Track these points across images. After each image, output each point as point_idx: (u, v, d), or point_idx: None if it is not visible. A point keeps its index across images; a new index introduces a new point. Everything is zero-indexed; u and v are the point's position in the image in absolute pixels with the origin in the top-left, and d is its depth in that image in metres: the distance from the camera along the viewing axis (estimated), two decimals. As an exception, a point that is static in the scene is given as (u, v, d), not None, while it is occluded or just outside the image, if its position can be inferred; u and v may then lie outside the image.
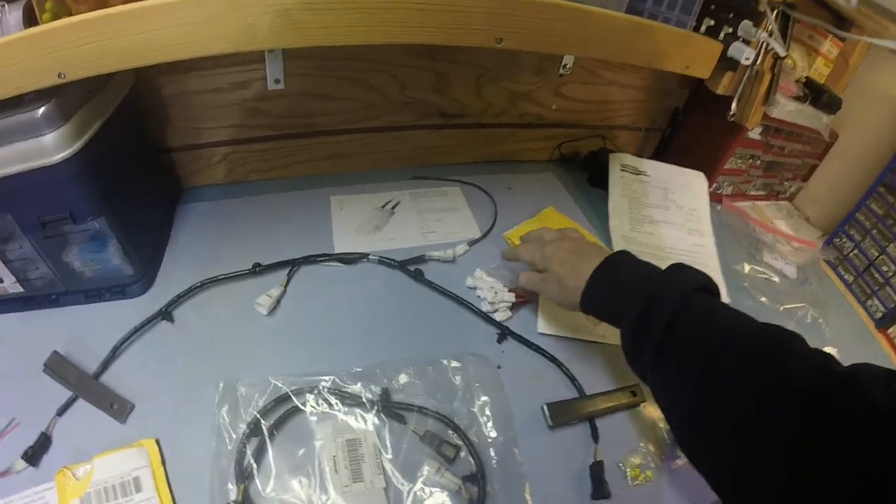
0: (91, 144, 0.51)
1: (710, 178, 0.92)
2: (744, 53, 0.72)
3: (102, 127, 0.54)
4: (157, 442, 0.49)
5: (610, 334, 0.66)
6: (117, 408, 0.51)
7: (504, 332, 0.62)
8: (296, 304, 0.62)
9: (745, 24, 0.70)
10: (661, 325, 0.44)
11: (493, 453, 0.52)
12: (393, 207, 0.77)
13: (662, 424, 0.58)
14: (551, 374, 0.61)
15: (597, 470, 0.53)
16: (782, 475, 0.34)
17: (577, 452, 0.55)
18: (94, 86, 0.54)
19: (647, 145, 1.03)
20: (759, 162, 0.96)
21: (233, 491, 0.46)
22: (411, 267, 0.67)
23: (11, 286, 0.56)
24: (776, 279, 0.86)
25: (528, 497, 0.50)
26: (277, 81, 0.68)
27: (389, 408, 0.53)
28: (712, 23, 0.71)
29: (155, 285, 0.62)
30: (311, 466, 0.49)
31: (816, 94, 0.87)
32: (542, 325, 0.65)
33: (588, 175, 0.93)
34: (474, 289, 0.67)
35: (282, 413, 0.51)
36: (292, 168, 0.78)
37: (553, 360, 0.61)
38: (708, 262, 0.84)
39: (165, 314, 0.59)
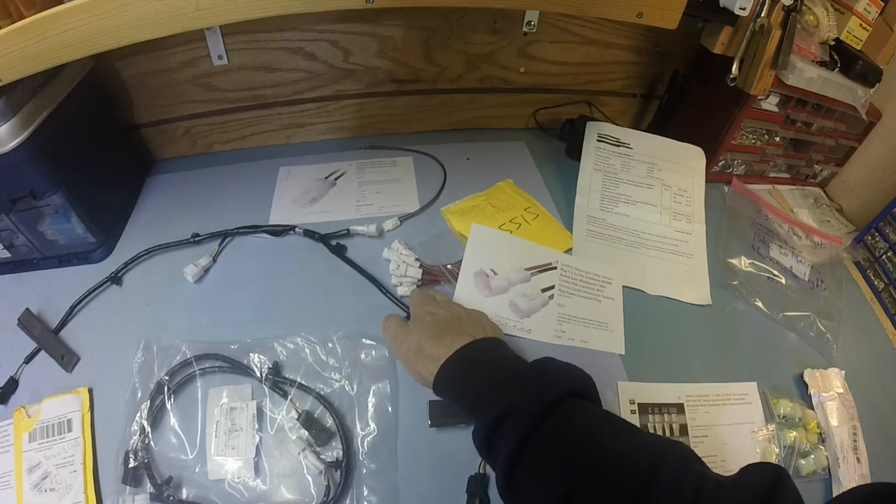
0: (40, 131, 0.59)
1: (715, 154, 0.79)
2: (737, 2, 0.60)
3: (51, 115, 0.61)
4: (90, 390, 0.57)
5: (536, 330, 0.63)
6: (66, 359, 0.61)
7: (409, 317, 0.61)
8: (221, 274, 0.67)
9: (737, -35, 0.57)
10: (512, 446, 0.39)
11: (364, 444, 0.53)
12: (336, 179, 0.77)
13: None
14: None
15: (474, 483, 0.50)
16: None
17: (462, 459, 0.51)
18: (39, 81, 0.60)
19: (646, 115, 0.91)
20: (778, 139, 0.81)
21: (134, 441, 0.53)
22: (333, 241, 0.68)
23: (1, 252, 0.68)
24: (782, 279, 0.74)
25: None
26: (220, 57, 0.71)
27: (275, 382, 0.57)
28: (689, -38, 0.59)
29: (115, 252, 0.71)
30: (198, 428, 0.54)
31: (848, 61, 0.70)
32: (451, 313, 0.63)
33: (566, 146, 0.85)
34: (389, 261, 0.67)
35: (183, 377, 0.57)
36: (250, 139, 0.81)
37: (458, 352, 0.59)
38: (694, 252, 0.75)
39: (115, 279, 0.67)
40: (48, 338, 0.62)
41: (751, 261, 0.75)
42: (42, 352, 0.61)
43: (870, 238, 0.78)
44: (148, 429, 0.54)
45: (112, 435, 0.54)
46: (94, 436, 0.55)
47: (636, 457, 0.36)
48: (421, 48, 0.75)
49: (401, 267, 0.64)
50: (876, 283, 0.76)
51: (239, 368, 0.57)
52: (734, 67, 0.69)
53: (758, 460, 0.53)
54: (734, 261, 0.75)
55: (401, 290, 0.64)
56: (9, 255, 0.68)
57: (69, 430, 0.55)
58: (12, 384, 0.59)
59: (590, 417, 0.40)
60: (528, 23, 0.74)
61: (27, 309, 0.63)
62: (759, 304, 0.70)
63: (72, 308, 0.64)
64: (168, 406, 0.55)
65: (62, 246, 0.69)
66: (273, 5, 0.50)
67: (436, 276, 0.65)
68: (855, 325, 0.71)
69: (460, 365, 0.46)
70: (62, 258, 0.69)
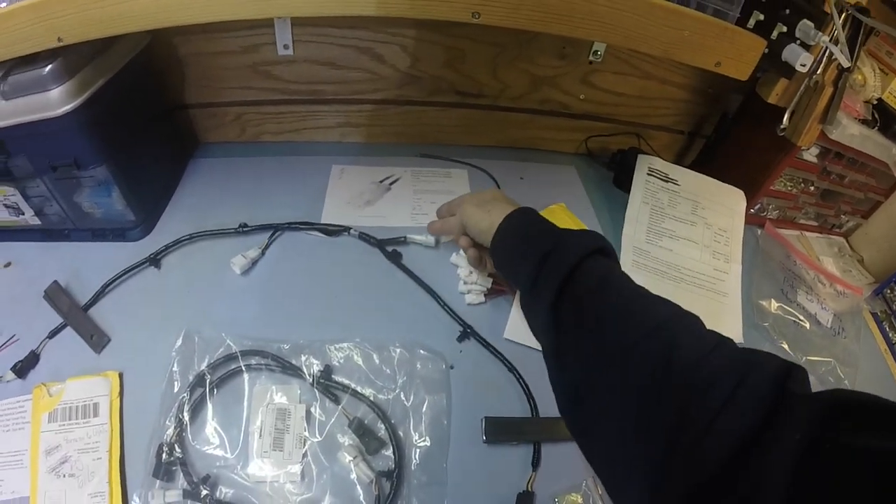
0: (93, 100, 0.56)
1: (753, 197, 0.81)
2: (799, 59, 0.62)
3: (106, 84, 0.58)
4: (121, 375, 0.54)
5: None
6: (95, 339, 0.57)
7: (466, 331, 0.60)
8: (270, 268, 0.65)
9: (805, 25, 0.59)
10: (558, 281, 0.44)
11: (416, 455, 0.51)
12: (391, 184, 0.76)
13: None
14: (507, 385, 0.57)
15: (522, 501, 0.49)
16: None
17: (510, 476, 0.51)
18: (98, 48, 0.58)
19: (689, 152, 0.93)
20: (812, 188, 0.84)
21: (169, 434, 0.50)
22: (390, 247, 0.67)
23: (31, 218, 0.64)
24: (806, 324, 0.75)
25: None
26: (286, 47, 0.69)
27: (326, 385, 0.54)
28: (762, 17, 0.61)
29: (153, 232, 0.67)
30: (240, 426, 0.51)
31: (888, 121, 0.73)
32: (510, 331, 0.62)
33: (614, 175, 0.86)
34: (456, 266, 0.66)
35: (226, 371, 0.54)
36: (302, 133, 0.80)
37: (513, 370, 0.58)
38: (729, 291, 0.76)
39: (154, 261, 0.63)
40: (76, 314, 0.58)
41: (779, 304, 0.76)
42: (67, 328, 0.57)
43: (888, 291, 0.81)
44: (186, 422, 0.51)
45: (143, 425, 0.50)
46: (123, 423, 0.51)
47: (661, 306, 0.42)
48: (488, 64, 0.75)
49: (472, 274, 0.63)
50: (891, 335, 0.78)
51: (288, 369, 0.55)
52: (785, 118, 0.71)
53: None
54: (764, 302, 0.76)
55: (468, 298, 0.63)
56: (38, 221, 0.64)
57: (95, 415, 0.52)
58: (33, 358, 0.55)
59: (619, 269, 0.47)
60: (595, 52, 0.75)
61: (55, 281, 0.59)
62: (785, 346, 0.71)
63: (105, 286, 0.61)
64: (209, 400, 0.52)
65: (98, 220, 0.65)
66: (372, 5, 0.49)
67: (502, 286, 0.64)
68: (869, 375, 0.72)
69: (510, 226, 0.53)
70: (96, 232, 0.66)
